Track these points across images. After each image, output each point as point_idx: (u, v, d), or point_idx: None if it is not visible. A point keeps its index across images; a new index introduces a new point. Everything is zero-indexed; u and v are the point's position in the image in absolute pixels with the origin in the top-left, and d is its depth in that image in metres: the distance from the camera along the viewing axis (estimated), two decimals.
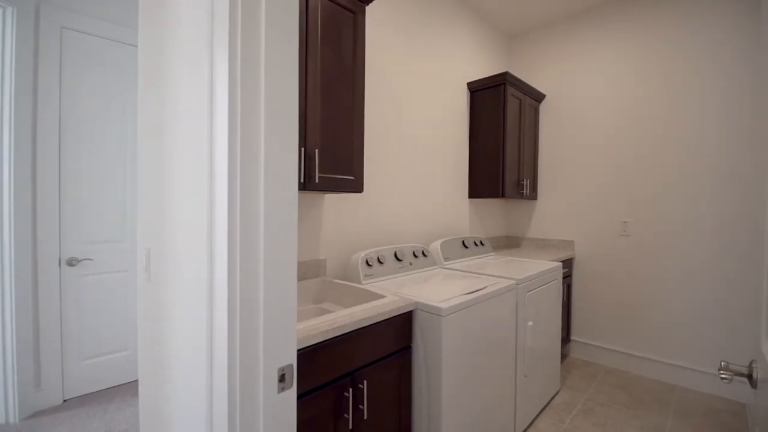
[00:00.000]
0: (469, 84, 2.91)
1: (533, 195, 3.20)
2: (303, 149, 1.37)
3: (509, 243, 3.47)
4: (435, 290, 1.64)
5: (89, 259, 2.31)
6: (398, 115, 2.30)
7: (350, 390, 1.19)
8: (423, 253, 2.16)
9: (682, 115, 2.53)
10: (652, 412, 2.18)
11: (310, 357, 1.08)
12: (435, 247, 2.31)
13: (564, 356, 3.00)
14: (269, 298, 0.72)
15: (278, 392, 0.74)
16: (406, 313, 1.43)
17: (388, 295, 1.50)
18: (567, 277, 2.92)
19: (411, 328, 1.47)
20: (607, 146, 2.88)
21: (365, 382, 1.24)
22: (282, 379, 0.75)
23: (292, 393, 0.77)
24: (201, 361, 0.79)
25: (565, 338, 2.95)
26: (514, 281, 1.86)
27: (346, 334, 1.19)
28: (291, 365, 0.76)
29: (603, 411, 2.20)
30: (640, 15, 2.70)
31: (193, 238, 0.83)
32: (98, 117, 2.36)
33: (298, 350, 1.04)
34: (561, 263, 2.40)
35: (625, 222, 2.79)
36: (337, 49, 1.51)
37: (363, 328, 1.26)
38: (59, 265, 2.21)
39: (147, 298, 1.28)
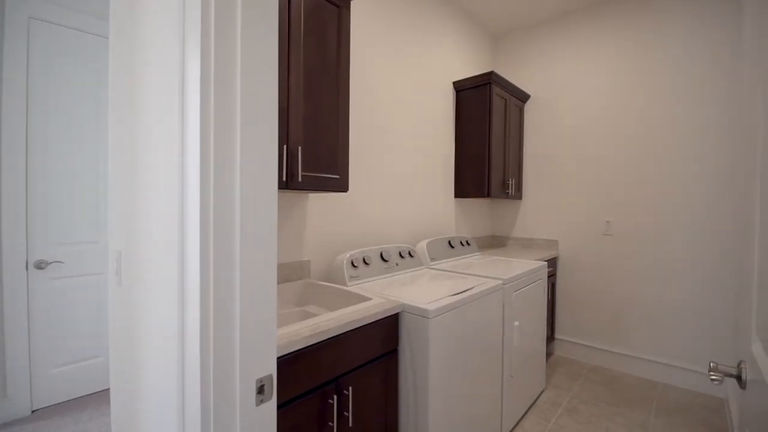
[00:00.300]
0: (455, 83, 2.90)
1: (518, 195, 3.21)
2: (285, 146, 1.32)
3: (495, 242, 3.47)
4: (422, 291, 1.61)
5: (59, 262, 2.20)
6: (384, 113, 2.26)
7: (335, 397, 1.15)
8: (409, 254, 2.13)
9: (664, 115, 2.58)
10: (636, 410, 2.21)
11: (291, 364, 1.03)
12: (421, 247, 2.28)
13: (548, 354, 3.03)
14: (246, 305, 0.67)
15: (256, 405, 0.69)
16: (392, 315, 1.40)
17: (374, 297, 1.47)
18: (551, 276, 2.94)
19: (397, 331, 1.44)
20: (591, 146, 2.91)
21: (350, 388, 1.20)
22: (261, 390, 0.70)
23: (271, 405, 0.72)
24: (172, 372, 0.74)
25: (550, 337, 2.97)
26: (500, 281, 1.84)
27: (330, 338, 1.15)
28: (270, 376, 0.72)
29: (587, 409, 2.22)
30: (624, 17, 2.74)
31: (164, 241, 0.77)
32: (70, 111, 2.24)
33: (279, 357, 0.99)
34: (546, 262, 2.41)
35: (608, 221, 2.83)
36: (321, 44, 1.46)
37: (348, 332, 1.21)
38: (26, 268, 2.09)
39: (118, 304, 1.21)
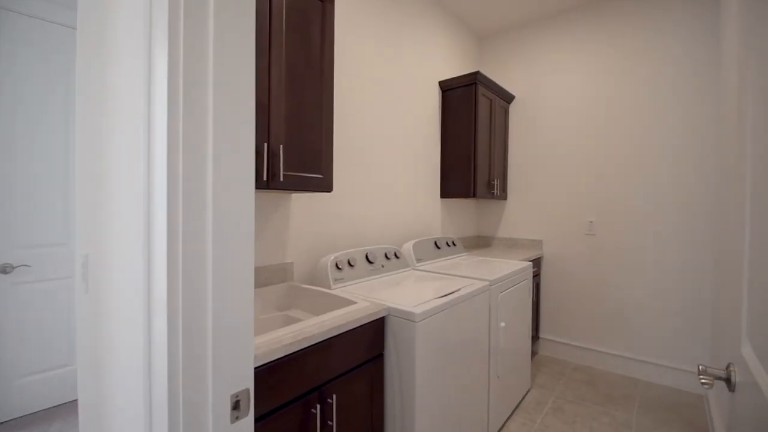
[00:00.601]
0: (440, 83, 2.88)
1: (503, 195, 3.22)
2: (266, 145, 1.26)
3: (480, 243, 3.48)
4: (408, 294, 1.57)
5: (26, 266, 2.07)
6: (369, 112, 2.22)
7: (318, 406, 1.10)
8: (395, 255, 2.09)
9: (647, 117, 2.62)
10: (619, 408, 2.23)
11: (272, 373, 0.98)
12: (407, 248, 2.25)
13: (533, 354, 3.04)
14: (220, 314, 0.62)
15: (231, 422, 0.64)
16: (377, 319, 1.36)
17: (359, 300, 1.42)
18: (536, 276, 2.96)
19: (383, 335, 1.40)
20: (575, 147, 2.93)
21: (334, 396, 1.16)
22: (236, 406, 0.65)
23: (248, 421, 0.67)
24: (138, 389, 0.68)
25: (534, 336, 2.99)
26: (487, 282, 1.83)
27: (314, 345, 1.10)
28: (247, 390, 0.67)
29: (572, 408, 2.23)
30: (609, 19, 2.77)
31: (129, 246, 0.71)
32: (37, 105, 2.12)
33: (258, 367, 0.94)
34: (531, 263, 2.41)
35: (591, 221, 2.86)
36: (304, 39, 1.41)
37: (332, 338, 1.17)
38: None
39: (85, 311, 1.13)
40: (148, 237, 0.62)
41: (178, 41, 0.58)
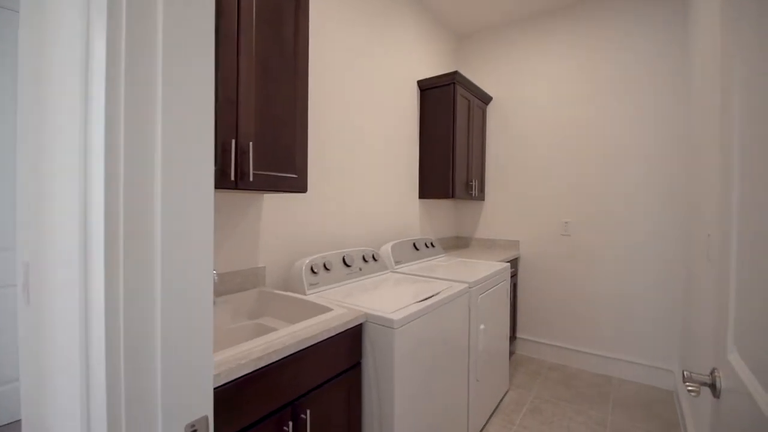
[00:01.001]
0: (419, 82, 2.84)
1: (481, 196, 3.22)
2: (234, 141, 1.17)
3: (458, 243, 3.47)
4: (386, 298, 1.51)
5: None
6: (346, 110, 2.15)
7: (290, 423, 1.02)
8: (373, 257, 2.03)
9: (620, 118, 2.67)
10: (595, 406, 2.26)
11: (239, 391, 0.90)
12: (385, 250, 2.19)
13: (510, 354, 3.06)
14: (171, 335, 0.54)
15: None
16: (355, 326, 1.29)
17: (336, 306, 1.35)
18: (513, 276, 2.97)
19: (361, 343, 1.33)
20: (551, 148, 2.97)
21: (308, 411, 1.08)
22: None
23: None
24: (76, 417, 0.59)
25: (512, 336, 3.00)
26: (466, 285, 1.80)
27: (286, 357, 1.03)
28: (205, 417, 0.59)
29: (549, 408, 2.24)
30: (586, 23, 2.81)
31: (64, 256, 0.61)
32: None
33: (222, 385, 0.85)
34: (508, 263, 2.41)
35: (566, 222, 2.90)
36: (276, 28, 1.33)
37: (306, 348, 1.09)
38: None
39: (26, 326, 1.00)
40: (84, 245, 0.54)
41: (120, 19, 0.50)
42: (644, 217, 2.57)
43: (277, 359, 0.98)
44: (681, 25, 2.43)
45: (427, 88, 2.84)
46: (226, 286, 1.48)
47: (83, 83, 0.55)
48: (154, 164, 0.51)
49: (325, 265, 1.71)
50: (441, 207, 3.22)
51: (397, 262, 2.17)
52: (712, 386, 0.76)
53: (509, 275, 2.40)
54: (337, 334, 1.21)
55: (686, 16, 2.40)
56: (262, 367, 0.95)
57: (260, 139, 1.27)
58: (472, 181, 2.97)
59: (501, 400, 2.33)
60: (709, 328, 1.35)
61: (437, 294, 1.59)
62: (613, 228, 2.70)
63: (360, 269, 1.90)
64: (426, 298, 1.52)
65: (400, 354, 1.29)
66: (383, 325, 1.29)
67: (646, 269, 2.57)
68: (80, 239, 0.54)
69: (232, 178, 1.16)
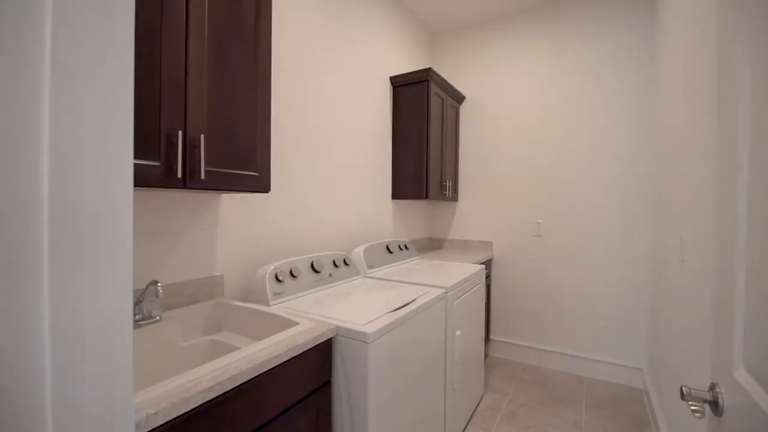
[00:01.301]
0: (392, 78, 2.74)
1: (455, 196, 3.17)
2: (182, 133, 1.01)
3: (432, 245, 3.40)
4: (359, 308, 1.40)
5: None
6: (315, 105, 2.01)
7: None
8: (344, 262, 1.90)
9: (588, 119, 2.70)
10: (569, 408, 2.25)
11: (183, 430, 0.75)
12: (358, 254, 2.07)
13: (484, 356, 3.02)
14: (67, 381, 0.39)
15: None
16: (324, 342, 1.17)
17: (303, 320, 1.22)
18: (487, 278, 2.93)
19: (331, 358, 1.21)
20: (522, 149, 2.96)
21: None
22: None
23: None
24: None
25: (486, 338, 2.97)
26: (443, 290, 1.71)
27: (243, 384, 0.89)
28: None
29: (525, 412, 2.21)
30: (554, 23, 2.82)
31: None
32: None
33: (163, 425, 0.70)
34: (483, 265, 2.35)
35: (538, 222, 2.89)
36: (233, 9, 1.17)
37: (268, 371, 0.96)
38: None
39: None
40: None
41: None
42: (613, 218, 2.61)
43: (231, 387, 0.84)
44: (649, 16, 2.47)
45: (399, 85, 2.74)
46: (176, 299, 1.31)
47: None
48: (37, 152, 0.37)
49: (291, 272, 1.57)
50: (414, 208, 3.14)
51: (369, 267, 2.06)
52: (713, 403, 0.70)
53: (484, 277, 2.35)
54: (304, 352, 1.08)
55: (653, 17, 2.45)
56: (214, 398, 0.81)
57: (214, 131, 1.12)
58: (446, 182, 2.91)
59: (477, 405, 2.27)
60: (696, 337, 1.33)
61: (413, 301, 1.49)
62: (582, 228, 2.72)
63: (330, 275, 1.77)
64: (401, 306, 1.41)
65: (374, 369, 1.17)
66: (355, 339, 1.17)
67: (614, 269, 2.60)
68: None
69: (179, 175, 0.99)
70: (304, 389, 1.09)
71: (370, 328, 1.17)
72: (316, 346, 1.13)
